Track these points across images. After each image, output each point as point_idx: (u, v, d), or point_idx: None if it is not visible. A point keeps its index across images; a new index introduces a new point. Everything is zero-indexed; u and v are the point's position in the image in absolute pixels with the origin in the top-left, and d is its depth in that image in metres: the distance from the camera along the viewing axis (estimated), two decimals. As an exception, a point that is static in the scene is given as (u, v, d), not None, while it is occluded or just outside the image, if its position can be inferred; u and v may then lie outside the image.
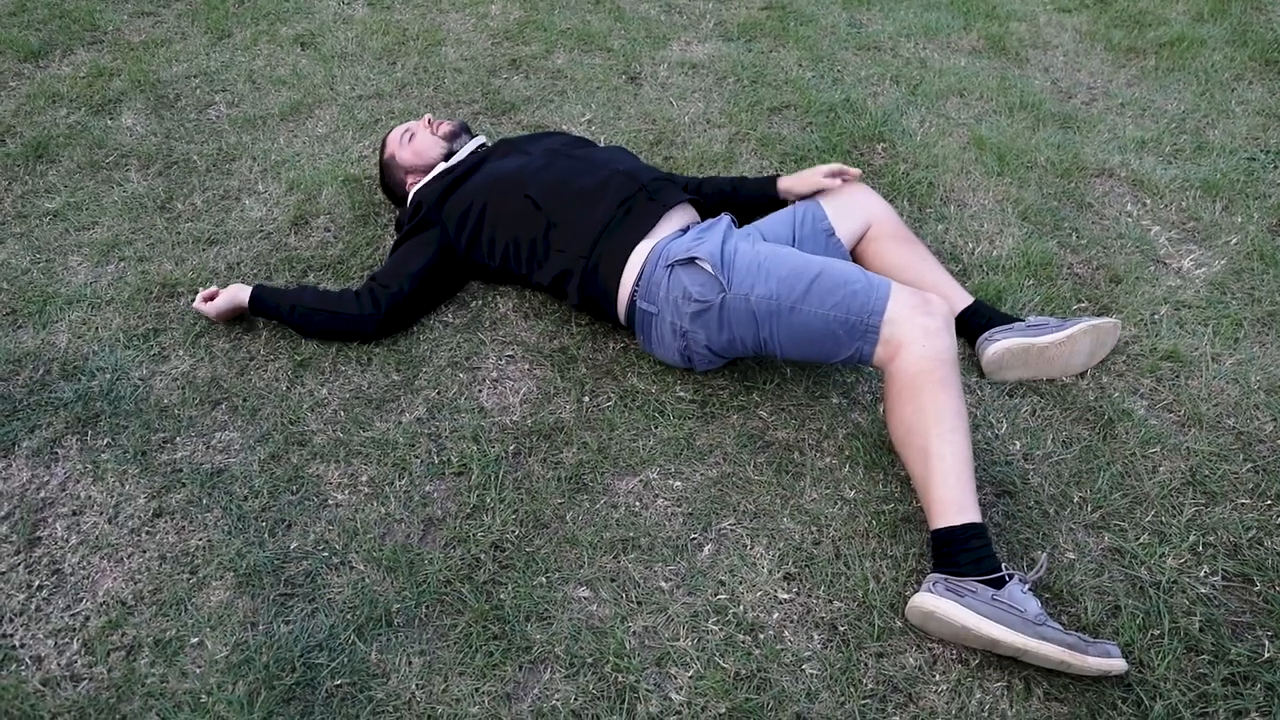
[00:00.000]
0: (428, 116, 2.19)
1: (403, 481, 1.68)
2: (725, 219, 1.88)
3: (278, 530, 1.60)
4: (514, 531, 1.61)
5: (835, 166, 2.03)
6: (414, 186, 2.13)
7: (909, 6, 3.35)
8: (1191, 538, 1.63)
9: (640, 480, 1.71)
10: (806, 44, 3.03)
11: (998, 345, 1.86)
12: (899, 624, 1.50)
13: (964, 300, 1.96)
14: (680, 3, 3.31)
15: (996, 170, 2.47)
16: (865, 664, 1.45)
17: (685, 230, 1.84)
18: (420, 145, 2.13)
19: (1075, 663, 1.34)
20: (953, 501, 1.46)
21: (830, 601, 1.53)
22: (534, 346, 1.95)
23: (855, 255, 2.01)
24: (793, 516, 1.65)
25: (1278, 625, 1.51)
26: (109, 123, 2.57)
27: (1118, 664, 1.35)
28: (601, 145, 2.11)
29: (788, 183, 2.05)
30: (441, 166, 2.11)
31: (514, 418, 1.81)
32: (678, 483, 1.70)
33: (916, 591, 1.48)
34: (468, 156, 2.10)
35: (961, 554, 1.43)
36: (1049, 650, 1.34)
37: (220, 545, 1.57)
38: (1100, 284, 2.14)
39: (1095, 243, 2.25)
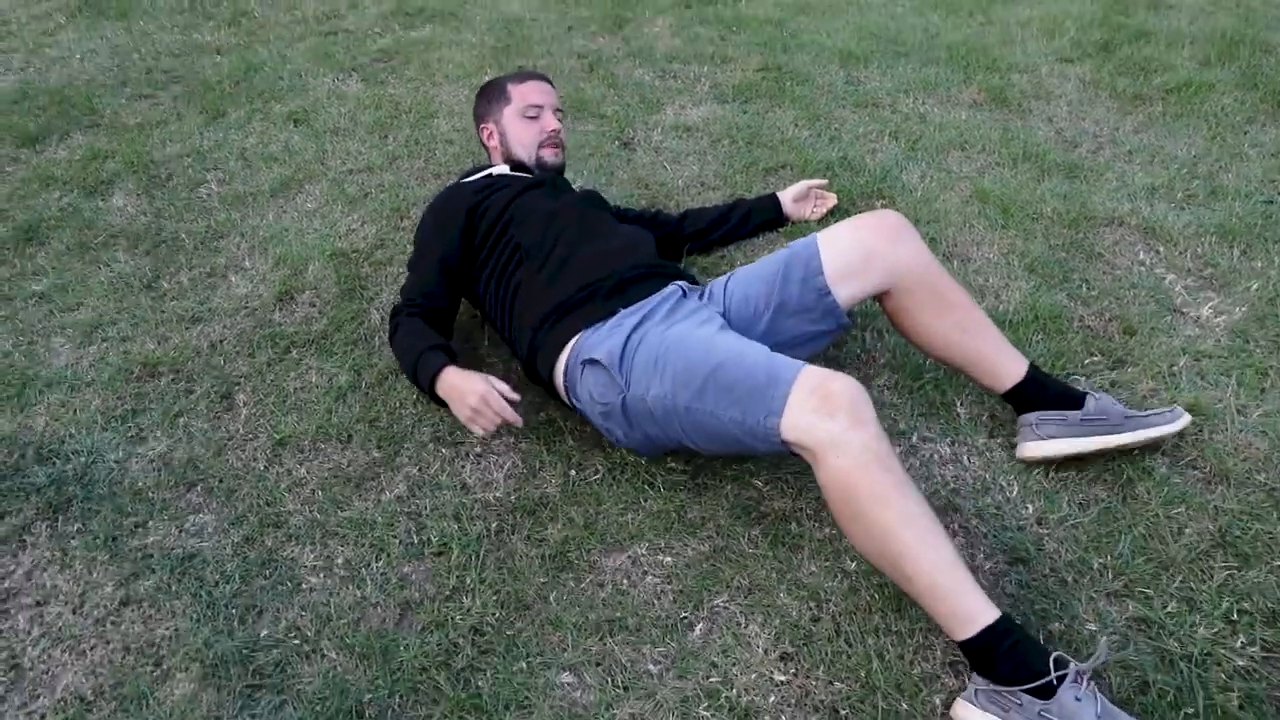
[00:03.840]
0: (559, 129, 2.13)
1: (380, 563, 1.61)
2: (674, 291, 1.76)
3: (248, 617, 1.52)
4: (494, 614, 1.52)
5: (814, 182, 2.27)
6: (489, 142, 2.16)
7: (908, 62, 3.33)
8: (1224, 604, 1.51)
9: (628, 556, 1.62)
10: (803, 103, 3.00)
11: (1044, 446, 1.70)
12: (905, 706, 1.38)
13: (1016, 374, 1.71)
14: (675, 68, 3.31)
15: (1001, 223, 2.40)
16: (871, 752, 1.34)
17: (615, 312, 1.71)
18: (523, 138, 2.10)
19: None
20: (954, 614, 1.32)
21: (830, 682, 1.42)
22: (520, 417, 1.88)
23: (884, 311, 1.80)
24: (790, 592, 1.55)
25: (1325, 701, 1.38)
26: (100, 204, 2.58)
27: None
28: (617, 221, 2.05)
29: (790, 207, 2.33)
30: (501, 170, 2.09)
31: (497, 494, 1.73)
32: (668, 558, 1.61)
33: (956, 697, 1.35)
34: (518, 177, 2.06)
35: (997, 662, 1.30)
36: None
37: (187, 634, 1.49)
38: (1114, 336, 2.05)
39: (1107, 293, 2.17)
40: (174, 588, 1.57)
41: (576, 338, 1.69)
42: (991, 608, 1.31)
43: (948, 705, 1.37)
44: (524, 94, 2.12)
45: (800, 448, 1.39)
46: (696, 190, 2.56)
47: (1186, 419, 1.67)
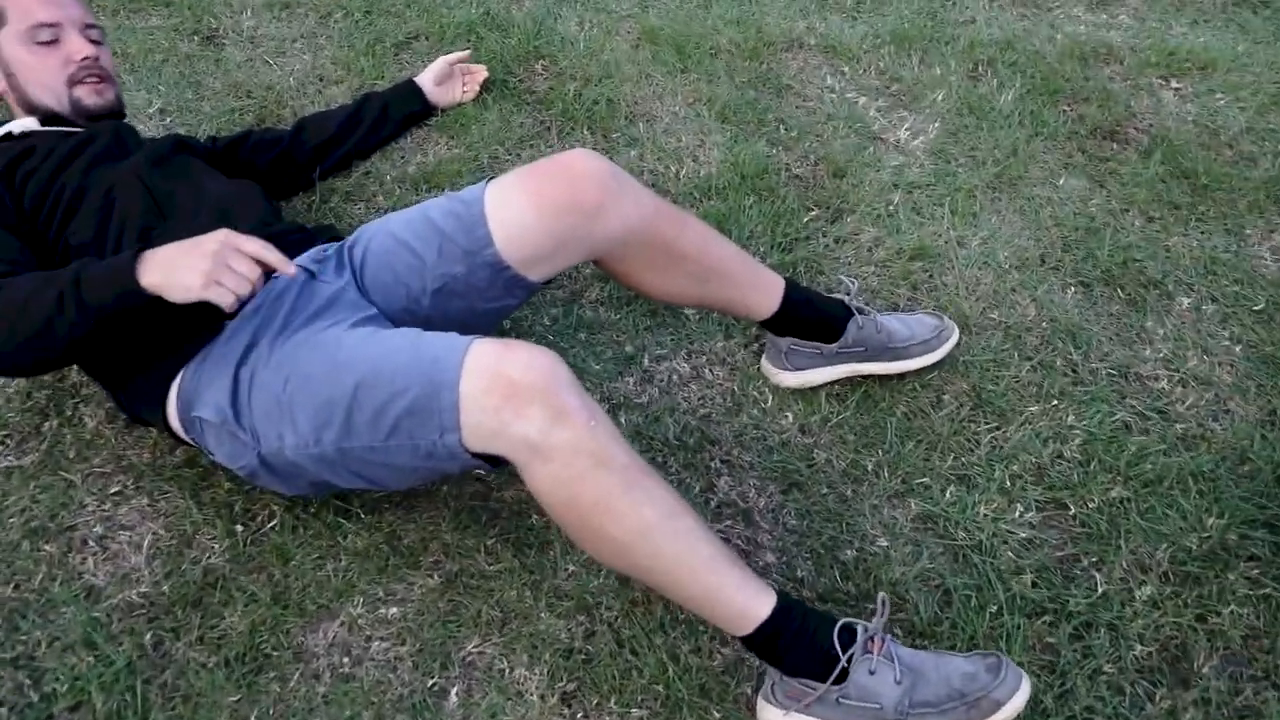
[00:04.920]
0: (94, 55, 1.46)
1: (-18, 758, 1.12)
2: (296, 276, 1.24)
3: None
4: (175, 775, 1.11)
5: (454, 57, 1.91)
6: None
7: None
8: (997, 474, 1.42)
9: (341, 623, 1.24)
10: (424, -52, 2.45)
11: (790, 377, 1.49)
12: (716, 713, 1.17)
13: (768, 308, 1.43)
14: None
15: (679, 67, 2.10)
16: (691, 779, 1.12)
17: (222, 328, 1.23)
18: (42, 76, 1.44)
19: None
20: (724, 617, 1.10)
21: (628, 710, 1.17)
22: (149, 468, 1.38)
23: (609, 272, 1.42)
24: (551, 608, 1.26)
25: (1098, 546, 1.35)
26: None
27: (1009, 710, 1.08)
28: (209, 170, 1.48)
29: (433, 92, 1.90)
30: (25, 124, 1.45)
31: (142, 588, 1.26)
32: (393, 609, 1.26)
33: (754, 692, 1.16)
34: (57, 135, 1.42)
35: (782, 655, 1.10)
36: None
37: None
38: (824, 181, 1.86)
39: (806, 132, 1.96)
40: None
41: (179, 379, 1.21)
42: (765, 596, 1.10)
43: (759, 688, 1.18)
44: (25, 9, 1.42)
45: (501, 455, 1.06)
46: (315, 88, 2.01)
47: (952, 341, 1.51)
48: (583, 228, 1.26)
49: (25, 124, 1.45)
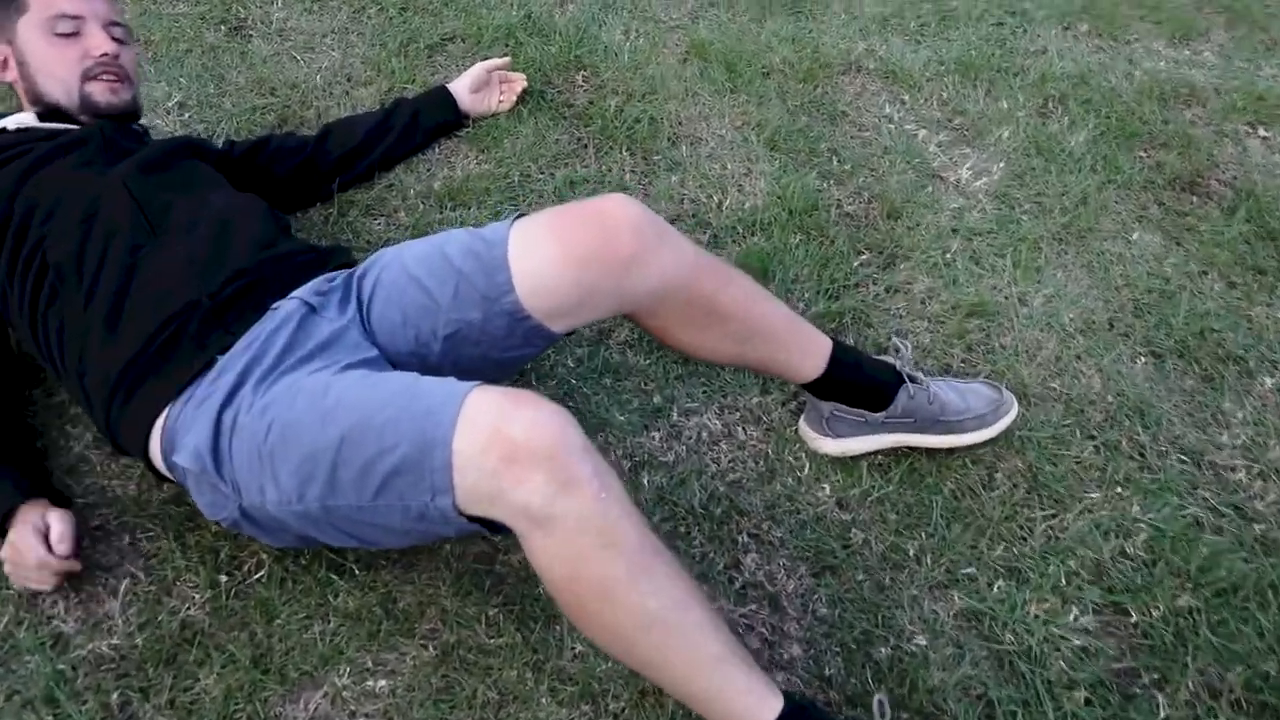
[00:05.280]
0: (114, 53, 1.39)
1: (-77, 827, 1.03)
2: (294, 311, 1.15)
3: None
4: None
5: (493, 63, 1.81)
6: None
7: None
8: (1051, 569, 1.29)
9: (325, 694, 1.14)
10: (467, -58, 2.34)
11: (831, 444, 1.37)
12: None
13: (811, 371, 1.30)
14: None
15: (729, 86, 1.97)
16: None
17: (213, 361, 1.12)
18: (55, 68, 1.37)
19: None
20: (730, 715, 1.00)
21: (631, 817, 1.06)
22: (134, 502, 1.28)
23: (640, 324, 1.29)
24: (554, 692, 1.15)
25: (1162, 662, 1.22)
26: None
27: None
28: (209, 179, 1.38)
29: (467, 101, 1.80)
30: (23, 120, 1.39)
31: (114, 639, 1.17)
32: (382, 682, 1.15)
33: None
34: (51, 132, 1.36)
35: None
36: None
37: None
38: (878, 223, 1.73)
39: (860, 165, 1.83)
40: None
41: (164, 415, 1.11)
42: (771, 701, 0.99)
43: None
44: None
45: (501, 520, 0.95)
46: (343, 88, 1.90)
47: (1010, 417, 1.37)
48: (613, 280, 1.13)
49: (21, 119, 1.39)
